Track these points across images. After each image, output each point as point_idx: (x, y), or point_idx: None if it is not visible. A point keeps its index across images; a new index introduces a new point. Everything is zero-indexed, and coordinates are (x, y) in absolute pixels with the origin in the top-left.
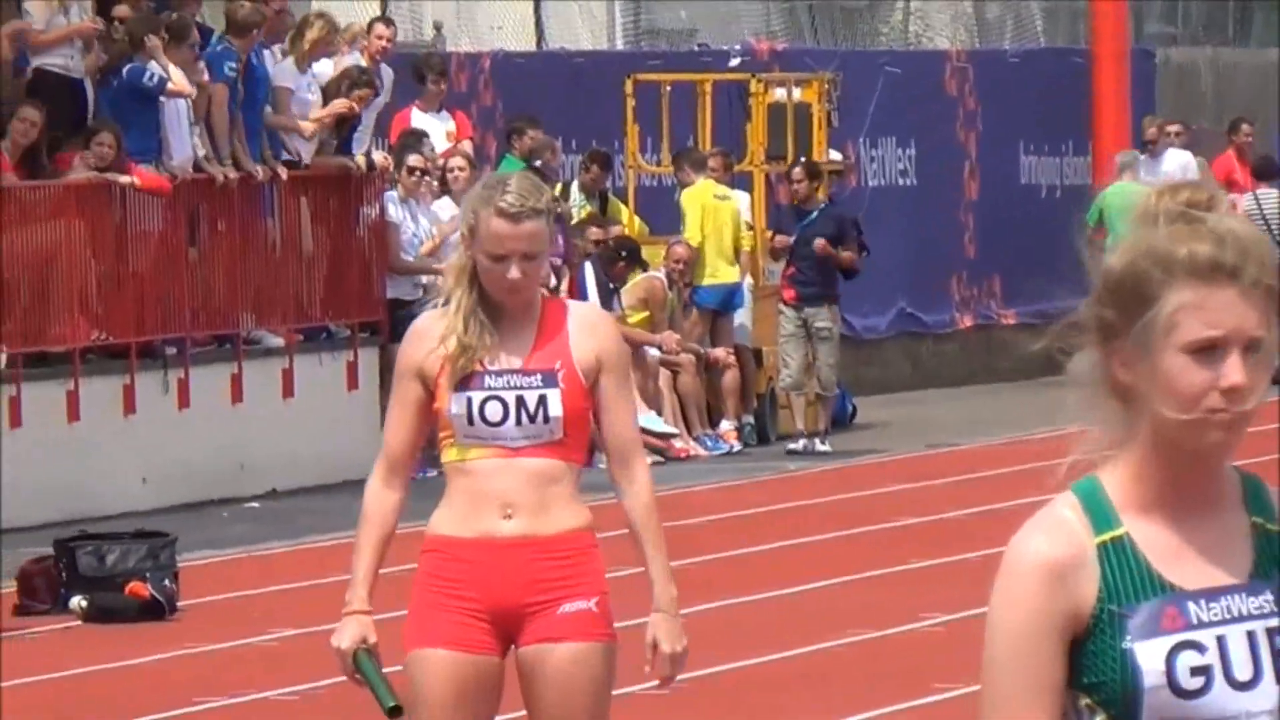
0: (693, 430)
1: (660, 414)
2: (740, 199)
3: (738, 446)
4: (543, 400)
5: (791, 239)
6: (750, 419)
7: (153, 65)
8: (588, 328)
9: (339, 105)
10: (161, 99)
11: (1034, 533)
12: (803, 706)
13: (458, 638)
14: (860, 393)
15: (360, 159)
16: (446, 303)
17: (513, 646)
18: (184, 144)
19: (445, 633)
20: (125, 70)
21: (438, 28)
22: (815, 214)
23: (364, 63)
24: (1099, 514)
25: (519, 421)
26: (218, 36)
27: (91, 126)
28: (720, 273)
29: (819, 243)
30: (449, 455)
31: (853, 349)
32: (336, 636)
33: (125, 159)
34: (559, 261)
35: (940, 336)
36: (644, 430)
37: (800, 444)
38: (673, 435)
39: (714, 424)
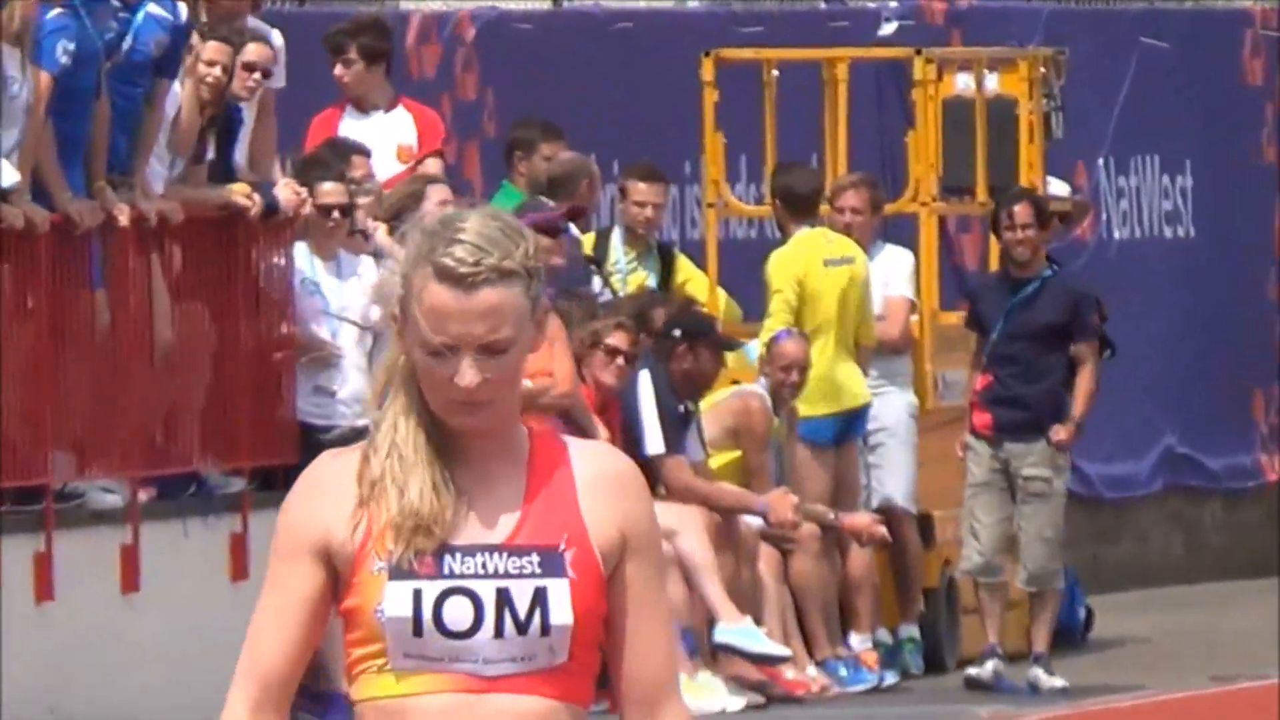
0: (816, 650)
1: (760, 623)
2: (895, 261)
3: (890, 677)
4: (540, 597)
5: (990, 334)
6: (913, 630)
7: None
8: (607, 482)
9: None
10: None
11: None
12: None
13: None
14: (1099, 588)
15: (239, 191)
16: (367, 432)
17: None
18: None
19: None
20: None
21: None
22: (1034, 286)
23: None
24: None
25: (499, 632)
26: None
27: None
28: (835, 390)
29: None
30: (372, 688)
31: (1087, 515)
32: None
33: None
34: (569, 366)
35: (1234, 496)
36: (734, 650)
37: (989, 668)
38: (782, 658)
39: (850, 638)
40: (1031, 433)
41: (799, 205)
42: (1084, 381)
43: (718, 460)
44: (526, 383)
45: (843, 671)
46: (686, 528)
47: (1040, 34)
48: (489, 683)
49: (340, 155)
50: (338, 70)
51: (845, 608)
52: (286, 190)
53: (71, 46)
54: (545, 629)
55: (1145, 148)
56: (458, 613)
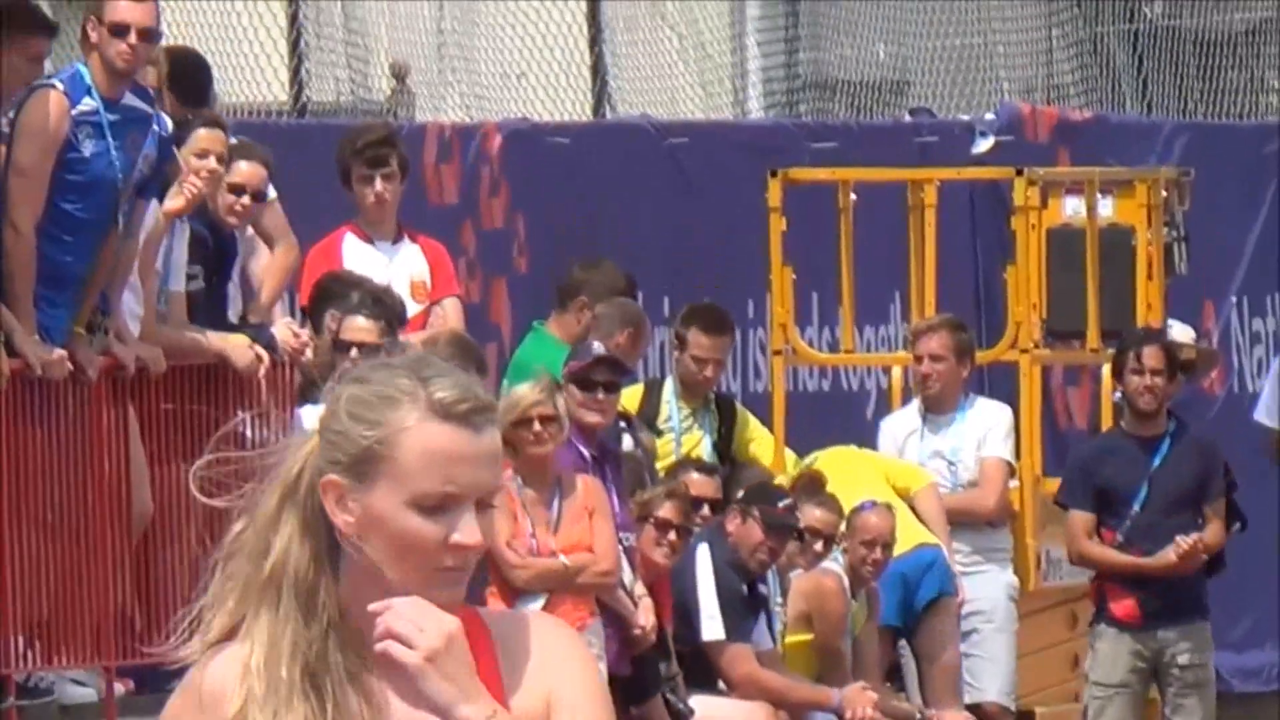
0: None
1: None
2: (990, 417)
3: None
4: None
5: (1129, 504)
6: None
7: None
8: (529, 653)
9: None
10: None
11: None
12: None
13: None
14: None
15: (233, 342)
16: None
17: None
18: None
19: None
20: None
21: (399, 75)
22: (1166, 445)
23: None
24: None
25: None
26: None
27: None
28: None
29: (1182, 543)
30: None
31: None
32: None
33: None
34: (625, 541)
35: None
36: None
37: None
38: None
39: None
40: (1187, 615)
41: None
42: (1213, 534)
43: (789, 640)
44: (563, 559)
45: None
46: None
47: (1161, 152)
48: None
49: (356, 294)
50: (378, 186)
51: None
52: (284, 331)
53: None
54: None
55: None
56: None
